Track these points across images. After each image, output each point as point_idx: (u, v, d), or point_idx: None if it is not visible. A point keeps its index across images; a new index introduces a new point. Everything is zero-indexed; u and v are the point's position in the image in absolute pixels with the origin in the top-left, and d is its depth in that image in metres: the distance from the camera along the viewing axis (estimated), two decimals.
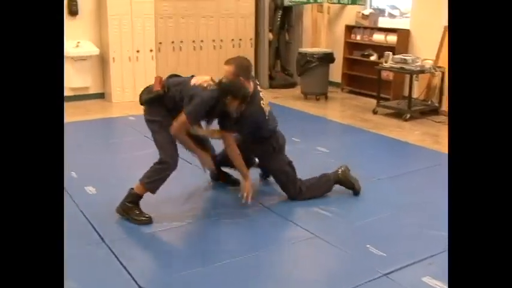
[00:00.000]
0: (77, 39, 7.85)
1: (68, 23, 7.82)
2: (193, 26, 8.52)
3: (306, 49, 8.69)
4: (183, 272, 3.15)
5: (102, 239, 3.56)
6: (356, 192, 4.31)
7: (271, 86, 9.40)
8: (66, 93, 8.02)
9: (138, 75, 8.18)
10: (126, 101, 8.12)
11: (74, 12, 7.79)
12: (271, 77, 9.51)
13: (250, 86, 3.91)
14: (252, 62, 9.18)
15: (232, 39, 8.92)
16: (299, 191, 4.16)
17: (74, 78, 7.95)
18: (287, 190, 4.18)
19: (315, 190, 4.25)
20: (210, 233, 3.73)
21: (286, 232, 3.75)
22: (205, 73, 8.43)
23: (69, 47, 7.75)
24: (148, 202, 3.89)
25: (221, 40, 8.81)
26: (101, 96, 8.33)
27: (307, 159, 5.24)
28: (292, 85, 9.44)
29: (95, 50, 7.93)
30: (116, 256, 3.33)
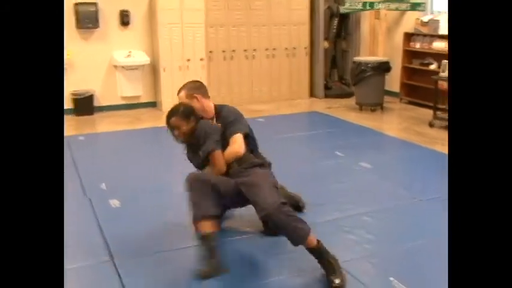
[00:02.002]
0: (129, 49, 7.85)
1: (120, 33, 7.86)
2: (245, 34, 8.32)
3: (361, 58, 8.27)
4: None
5: (111, 257, 3.37)
6: (302, 207, 3.92)
7: (326, 96, 9.05)
8: (118, 101, 8.04)
9: None
10: None
11: (125, 23, 7.79)
12: (327, 87, 9.16)
13: (208, 101, 3.55)
14: (307, 71, 8.93)
15: (286, 48, 8.65)
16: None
17: (125, 87, 7.96)
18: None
19: None
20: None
21: (302, 256, 3.41)
22: (258, 83, 8.36)
23: (121, 57, 7.76)
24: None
25: (274, 49, 8.56)
26: (152, 105, 8.27)
27: (344, 175, 4.88)
28: (348, 95, 9.04)
29: (146, 60, 7.88)
30: (120, 276, 3.12)
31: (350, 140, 6.26)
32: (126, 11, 7.77)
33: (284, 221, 2.93)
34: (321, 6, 8.75)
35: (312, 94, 9.03)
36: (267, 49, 8.49)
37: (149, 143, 6.51)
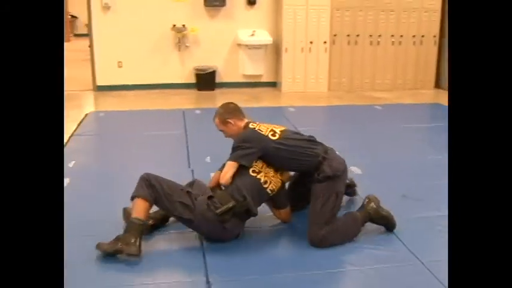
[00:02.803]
0: (253, 28, 7.94)
1: (246, 13, 7.99)
2: (371, 19, 8.04)
3: None
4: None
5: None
6: (391, 228, 3.38)
7: None
8: (239, 79, 8.18)
9: (310, 67, 8.02)
10: (295, 91, 8.02)
11: (252, 2, 7.88)
12: None
13: (241, 123, 3.48)
14: (435, 61, 8.48)
15: (414, 36, 8.23)
16: (321, 237, 3.21)
17: (247, 66, 8.07)
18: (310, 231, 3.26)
19: (340, 235, 3.25)
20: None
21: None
22: (381, 70, 8.08)
23: (245, 35, 7.87)
24: None
25: (401, 36, 8.19)
26: (272, 85, 8.32)
27: (436, 173, 4.53)
28: None
29: (268, 40, 7.92)
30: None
31: None
32: None
33: None
34: None
35: (437, 85, 8.58)
36: (393, 35, 8.15)
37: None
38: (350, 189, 3.86)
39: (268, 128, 3.37)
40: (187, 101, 7.45)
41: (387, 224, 3.38)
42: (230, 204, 3.12)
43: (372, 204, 3.35)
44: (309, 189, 3.31)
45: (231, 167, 3.27)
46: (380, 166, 4.72)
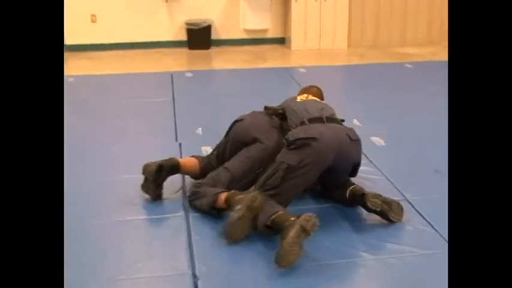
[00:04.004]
0: None
1: None
2: None
3: None
4: None
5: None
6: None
7: None
8: (240, 35, 8.10)
9: (326, 19, 7.88)
10: (307, 49, 7.91)
11: None
12: None
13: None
14: None
15: None
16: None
17: (249, 19, 7.94)
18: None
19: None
20: None
21: None
22: (413, 22, 7.98)
23: None
24: None
25: None
26: (280, 41, 8.19)
27: None
28: None
29: None
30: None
31: None
32: None
33: None
34: None
35: None
36: None
37: (271, 86, 6.37)
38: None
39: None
40: (176, 62, 7.36)
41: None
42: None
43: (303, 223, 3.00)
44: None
45: None
46: (408, 136, 4.65)
